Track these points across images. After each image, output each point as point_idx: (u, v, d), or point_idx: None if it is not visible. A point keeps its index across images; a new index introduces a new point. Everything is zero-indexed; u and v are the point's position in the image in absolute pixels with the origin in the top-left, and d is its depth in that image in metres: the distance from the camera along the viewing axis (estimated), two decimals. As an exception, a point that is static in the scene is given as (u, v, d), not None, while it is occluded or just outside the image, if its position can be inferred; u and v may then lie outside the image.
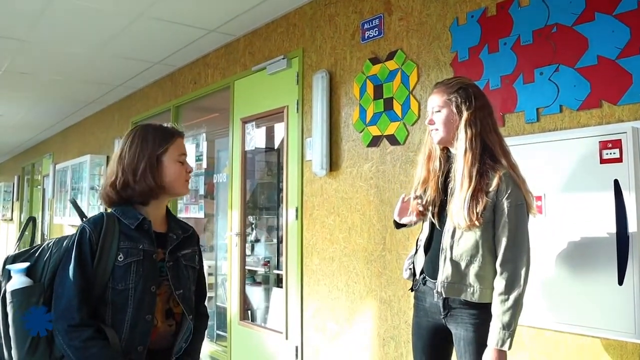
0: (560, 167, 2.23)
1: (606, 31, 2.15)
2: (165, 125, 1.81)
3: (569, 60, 2.26)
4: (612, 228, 2.07)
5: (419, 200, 2.06)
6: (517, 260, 1.84)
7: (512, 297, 1.82)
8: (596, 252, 2.12)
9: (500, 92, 2.50)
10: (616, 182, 2.07)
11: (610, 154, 2.08)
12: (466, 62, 2.67)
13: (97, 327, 1.56)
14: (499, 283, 1.84)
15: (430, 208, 2.05)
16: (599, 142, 2.11)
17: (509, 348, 1.80)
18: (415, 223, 2.16)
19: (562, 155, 2.23)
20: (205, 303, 1.95)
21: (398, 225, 2.22)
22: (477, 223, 1.84)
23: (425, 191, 2.06)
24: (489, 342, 1.83)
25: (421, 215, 2.08)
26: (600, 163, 2.11)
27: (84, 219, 1.69)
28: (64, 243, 1.64)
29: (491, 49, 2.56)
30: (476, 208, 1.84)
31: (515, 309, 1.82)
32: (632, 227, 2.02)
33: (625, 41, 2.09)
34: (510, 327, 1.80)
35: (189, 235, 1.84)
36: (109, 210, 1.72)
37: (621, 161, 2.06)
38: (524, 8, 2.44)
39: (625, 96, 2.09)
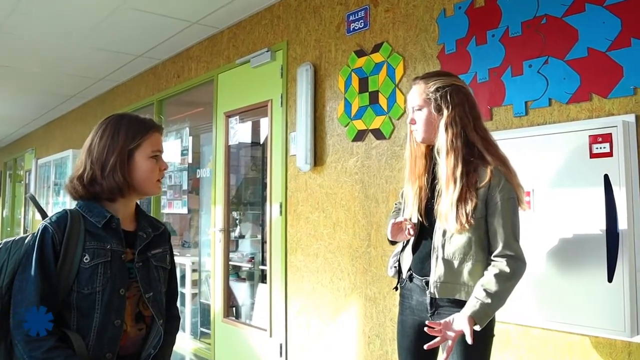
0: (549, 161, 2.18)
1: (597, 23, 2.09)
2: (142, 117, 1.68)
3: (559, 52, 2.21)
4: (602, 224, 2.02)
5: (410, 224, 1.98)
6: (510, 253, 1.78)
7: (495, 288, 1.74)
8: (585, 248, 2.07)
9: (488, 85, 2.45)
10: (606, 177, 2.02)
11: (601, 148, 2.03)
12: (453, 54, 2.61)
13: (61, 335, 1.44)
14: (486, 276, 1.78)
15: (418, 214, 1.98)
16: (589, 136, 2.06)
17: (480, 327, 1.72)
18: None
19: (551, 149, 2.18)
20: (178, 303, 1.85)
21: (392, 243, 2.15)
22: (467, 226, 1.78)
23: (418, 192, 1.98)
24: (466, 307, 1.75)
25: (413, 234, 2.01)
26: (590, 157, 2.06)
27: (46, 217, 1.55)
28: (24, 243, 1.50)
29: (479, 41, 2.50)
30: (465, 209, 1.78)
31: (494, 297, 1.73)
32: (622, 223, 1.98)
33: (616, 33, 2.04)
34: (490, 307, 1.72)
35: (160, 234, 1.73)
36: (74, 206, 1.59)
37: (611, 155, 2.01)
38: (513, -1, 2.38)
39: (616, 89, 2.05)
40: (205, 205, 5.07)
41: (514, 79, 2.36)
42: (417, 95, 1.94)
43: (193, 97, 5.21)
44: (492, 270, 1.78)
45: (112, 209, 1.59)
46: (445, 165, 1.83)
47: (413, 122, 1.96)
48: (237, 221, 4.83)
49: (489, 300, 1.72)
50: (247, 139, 4.68)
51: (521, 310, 2.22)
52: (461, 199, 1.79)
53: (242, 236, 4.83)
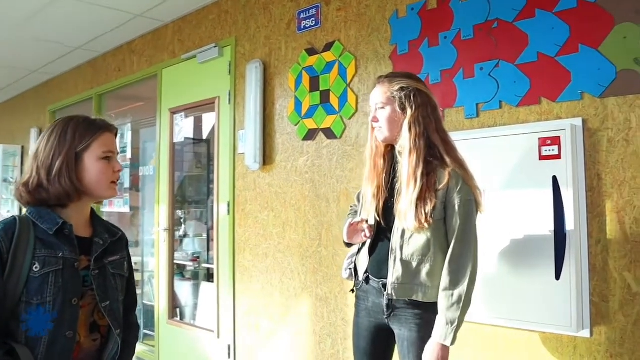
0: (500, 163, 2.23)
1: (546, 28, 2.15)
2: (93, 117, 1.59)
3: (510, 56, 2.26)
4: (551, 224, 2.08)
5: (367, 225, 1.98)
6: (464, 256, 1.82)
7: (457, 292, 1.79)
8: (534, 247, 2.13)
9: (440, 86, 2.48)
10: (555, 178, 2.08)
11: (549, 150, 2.09)
12: (406, 55, 2.63)
13: (8, 349, 1.35)
14: (445, 278, 1.81)
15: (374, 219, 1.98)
16: (539, 138, 2.12)
17: (452, 343, 1.77)
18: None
19: (501, 151, 2.23)
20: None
21: (348, 245, 2.14)
22: (426, 225, 1.80)
23: (376, 191, 1.98)
24: (432, 335, 1.80)
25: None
26: (540, 159, 2.12)
27: None
28: None
29: (431, 43, 2.52)
30: (425, 209, 1.79)
31: (460, 304, 1.78)
32: (569, 223, 2.04)
33: (564, 39, 2.11)
34: (454, 323, 1.77)
35: (117, 240, 1.65)
36: (24, 212, 1.51)
37: (560, 158, 2.07)
38: (465, 2, 2.42)
39: (564, 94, 2.11)
40: (148, 202, 4.92)
41: (466, 81, 2.40)
42: (381, 93, 1.93)
43: (135, 92, 5.04)
44: (441, 284, 1.82)
45: (65, 214, 1.51)
46: (407, 164, 1.83)
47: (375, 120, 1.95)
48: (182, 220, 4.71)
49: (443, 320, 1.79)
50: (191, 135, 4.57)
51: (472, 309, 2.25)
52: (421, 198, 1.80)
53: (186, 235, 4.72)
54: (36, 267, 1.41)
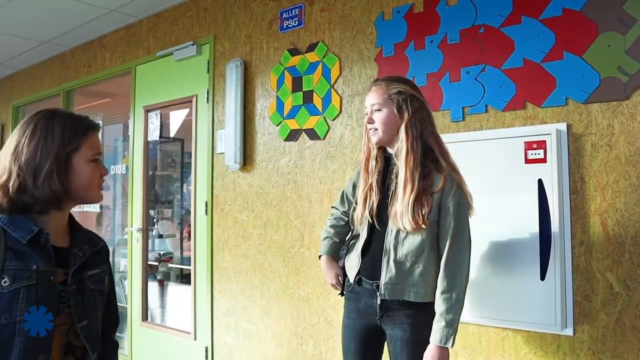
0: (486, 166, 2.27)
1: (532, 35, 2.21)
2: (77, 114, 1.42)
3: (496, 61, 2.31)
4: (536, 226, 2.14)
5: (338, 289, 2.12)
6: (460, 259, 1.86)
7: (455, 295, 1.83)
8: (520, 248, 2.18)
9: (425, 89, 2.49)
10: (540, 181, 2.14)
11: (535, 154, 2.15)
12: (391, 57, 2.65)
13: None
14: (442, 282, 1.84)
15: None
16: (524, 142, 2.17)
17: (452, 345, 1.81)
18: None
19: (488, 154, 2.28)
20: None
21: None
22: (423, 226, 1.83)
23: (369, 193, 1.99)
24: (431, 339, 1.83)
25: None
26: (525, 163, 2.18)
27: None
28: None
29: (417, 46, 2.55)
30: (421, 211, 1.82)
31: (458, 306, 1.83)
32: (554, 225, 2.10)
33: (550, 45, 2.16)
34: (453, 325, 1.81)
35: (98, 251, 1.49)
36: None
37: (545, 162, 2.13)
38: (452, 7, 2.45)
39: (549, 99, 2.17)
40: (118, 200, 4.82)
41: (452, 84, 2.44)
42: (378, 95, 1.94)
43: (105, 88, 4.92)
44: (438, 287, 1.86)
45: (41, 221, 1.34)
46: (405, 166, 1.86)
47: (371, 121, 1.96)
48: (155, 220, 4.63)
49: (443, 323, 1.82)
50: (165, 133, 4.49)
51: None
52: (417, 201, 1.83)
53: (160, 235, 4.65)
54: (5, 282, 1.25)
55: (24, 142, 1.32)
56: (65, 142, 1.35)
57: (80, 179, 1.37)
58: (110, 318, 1.56)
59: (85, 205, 4.77)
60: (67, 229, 1.44)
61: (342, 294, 2.13)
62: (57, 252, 1.34)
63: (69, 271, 1.36)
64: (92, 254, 1.45)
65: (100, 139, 1.49)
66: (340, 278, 2.11)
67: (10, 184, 1.30)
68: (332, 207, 2.30)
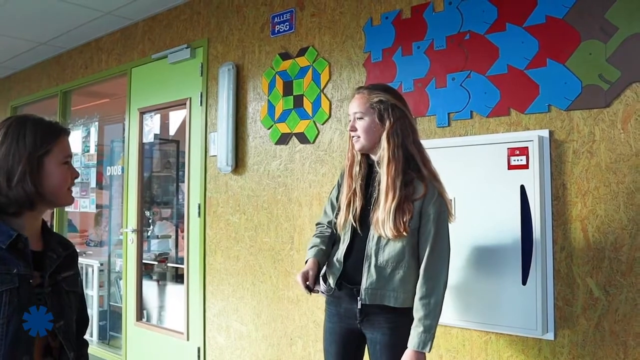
0: (470, 171, 2.30)
1: (516, 42, 2.23)
2: (47, 119, 1.46)
3: (481, 67, 2.33)
4: (518, 231, 2.17)
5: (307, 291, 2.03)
6: (439, 265, 1.89)
7: (433, 301, 1.85)
8: (502, 253, 2.21)
9: (412, 95, 2.53)
10: (522, 187, 2.16)
11: (518, 160, 2.17)
12: (379, 63, 2.68)
13: None
14: (421, 288, 1.87)
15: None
16: (507, 148, 2.20)
17: (429, 350, 1.83)
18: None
19: (471, 160, 2.30)
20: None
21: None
22: (404, 233, 1.85)
23: (352, 198, 2.01)
24: (409, 344, 1.85)
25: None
26: (508, 169, 2.20)
27: None
28: None
29: (405, 52, 2.58)
30: (403, 218, 1.84)
31: (436, 312, 1.86)
32: (535, 230, 2.13)
33: (533, 53, 2.19)
34: (431, 330, 1.84)
35: (71, 254, 1.53)
36: None
37: (527, 168, 2.15)
38: (439, 13, 2.48)
39: (532, 106, 2.19)
40: (115, 200, 4.86)
41: (438, 90, 2.46)
42: (360, 103, 1.97)
43: (101, 88, 4.96)
44: (417, 293, 1.88)
45: (17, 225, 1.37)
46: (386, 174, 1.88)
47: (353, 129, 1.98)
48: (150, 220, 4.67)
49: (421, 328, 1.84)
50: (165, 133, 4.54)
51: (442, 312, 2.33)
52: (399, 208, 1.85)
53: (155, 236, 4.68)
54: None
55: None
56: (37, 145, 1.38)
57: (51, 182, 1.41)
58: (82, 318, 1.60)
59: (82, 206, 4.86)
60: (40, 232, 1.48)
61: (309, 291, 2.06)
62: (32, 256, 1.38)
63: (44, 273, 1.40)
64: (66, 256, 1.50)
65: (70, 143, 1.51)
66: (310, 279, 2.03)
67: None
68: (317, 223, 2.27)
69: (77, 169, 1.52)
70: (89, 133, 4.99)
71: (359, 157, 2.03)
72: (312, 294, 2.06)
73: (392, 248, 1.90)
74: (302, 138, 3.04)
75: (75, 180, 1.52)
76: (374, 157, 1.99)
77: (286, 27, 3.15)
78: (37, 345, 1.36)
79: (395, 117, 1.91)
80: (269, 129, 3.23)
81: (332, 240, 2.17)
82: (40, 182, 1.38)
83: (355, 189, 2.01)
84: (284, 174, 3.15)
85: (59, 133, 1.44)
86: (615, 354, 2.00)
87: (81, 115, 5.17)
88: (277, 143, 3.18)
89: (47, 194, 1.40)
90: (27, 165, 1.36)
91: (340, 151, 2.85)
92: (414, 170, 1.91)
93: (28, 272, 1.34)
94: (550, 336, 2.14)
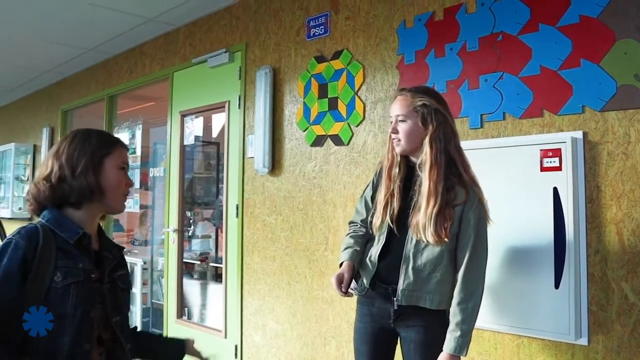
0: (503, 173, 2.28)
1: (549, 42, 2.21)
2: (108, 132, 1.67)
3: (513, 68, 2.31)
4: (551, 234, 2.14)
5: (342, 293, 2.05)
6: (478, 272, 1.90)
7: (471, 306, 1.87)
8: (535, 256, 2.19)
9: (445, 97, 2.45)
10: (555, 189, 2.14)
11: (551, 162, 2.15)
12: (412, 65, 2.69)
13: None
14: (460, 293, 1.88)
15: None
16: (540, 150, 2.17)
17: (465, 354, 1.84)
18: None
19: (504, 161, 2.28)
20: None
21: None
22: (445, 240, 1.86)
23: (390, 199, 2.02)
24: (445, 347, 1.86)
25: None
26: (541, 171, 2.18)
27: (13, 233, 1.43)
28: None
29: (437, 54, 2.58)
30: (444, 224, 1.85)
31: (473, 317, 1.87)
32: (569, 233, 2.10)
33: (567, 53, 2.16)
34: (467, 335, 1.85)
35: (122, 255, 1.67)
36: (40, 220, 1.49)
37: (560, 170, 2.13)
38: (471, 15, 2.47)
39: (565, 107, 2.16)
40: (158, 201, 5.00)
41: (470, 92, 2.46)
42: (403, 105, 1.97)
43: (145, 92, 5.13)
44: (454, 298, 1.89)
45: (79, 220, 1.51)
46: (429, 178, 1.89)
47: (395, 131, 1.99)
48: (191, 220, 4.79)
49: (458, 333, 1.85)
50: (207, 136, 4.66)
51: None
52: (440, 214, 1.86)
53: (195, 235, 4.80)
54: (58, 278, 1.39)
55: (65, 146, 1.54)
56: (100, 146, 1.56)
57: (109, 180, 1.55)
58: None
59: (127, 208, 5.02)
60: (97, 234, 1.61)
61: (344, 294, 2.08)
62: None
63: (103, 271, 1.54)
64: (120, 257, 1.65)
65: (127, 155, 1.67)
66: (345, 282, 2.05)
67: (52, 175, 1.49)
68: (350, 222, 2.29)
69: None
70: (133, 135, 5.15)
71: (399, 159, 2.03)
72: (347, 296, 2.10)
73: (431, 252, 1.92)
74: (337, 140, 3.07)
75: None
76: (415, 160, 2.00)
77: (321, 31, 3.19)
78: (94, 336, 1.49)
79: (438, 121, 1.92)
80: (304, 131, 3.28)
81: (365, 240, 2.17)
82: (99, 177, 1.53)
83: (393, 190, 2.02)
84: (319, 175, 3.19)
85: (119, 142, 1.63)
86: (651, 360, 1.96)
87: (126, 119, 5.34)
88: (312, 145, 3.23)
89: (104, 190, 1.54)
90: (90, 161, 1.52)
91: (375, 153, 2.87)
92: (455, 175, 1.91)
93: (90, 268, 1.48)
94: (584, 341, 2.10)
